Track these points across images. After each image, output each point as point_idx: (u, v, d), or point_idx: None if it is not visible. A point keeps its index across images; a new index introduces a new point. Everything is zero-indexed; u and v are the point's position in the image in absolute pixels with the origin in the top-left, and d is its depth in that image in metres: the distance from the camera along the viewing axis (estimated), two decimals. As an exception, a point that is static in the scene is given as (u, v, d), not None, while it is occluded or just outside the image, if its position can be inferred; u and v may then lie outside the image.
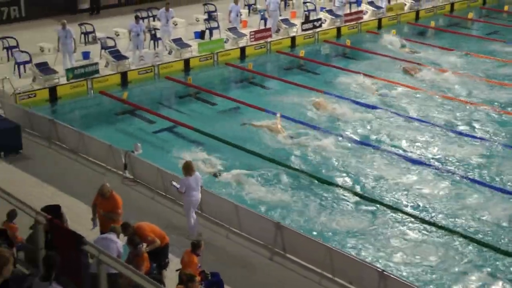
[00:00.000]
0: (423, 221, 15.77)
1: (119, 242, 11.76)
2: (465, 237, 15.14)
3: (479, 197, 16.95)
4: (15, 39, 25.98)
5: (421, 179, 17.86)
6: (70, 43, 23.97)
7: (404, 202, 16.67)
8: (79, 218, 14.21)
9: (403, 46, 29.53)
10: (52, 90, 22.78)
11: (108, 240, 11.62)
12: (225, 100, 23.01)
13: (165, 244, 12.66)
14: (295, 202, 16.47)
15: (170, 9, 27.25)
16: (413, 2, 35.14)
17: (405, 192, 17.16)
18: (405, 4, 35.07)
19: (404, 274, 13.69)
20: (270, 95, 23.93)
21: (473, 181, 17.68)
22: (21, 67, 23.93)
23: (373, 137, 20.43)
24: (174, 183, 14.77)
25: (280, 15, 30.85)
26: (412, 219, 15.85)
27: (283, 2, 33.87)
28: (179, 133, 20.50)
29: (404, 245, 14.86)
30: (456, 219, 15.94)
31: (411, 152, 19.44)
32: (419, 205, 16.55)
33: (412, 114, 22.10)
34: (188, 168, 14.40)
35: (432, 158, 19.08)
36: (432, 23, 33.01)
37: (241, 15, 30.27)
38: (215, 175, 17.46)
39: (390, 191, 17.19)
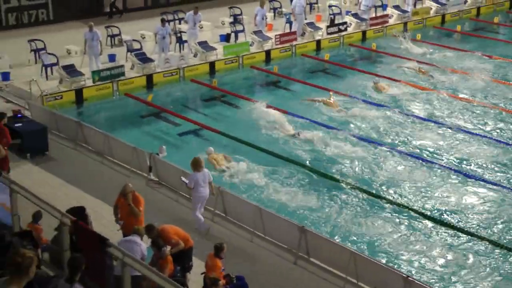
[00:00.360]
0: (449, 226, 15.62)
1: (143, 244, 11.80)
2: (494, 244, 14.97)
3: (506, 202, 16.78)
4: (42, 41, 26.21)
5: (447, 183, 17.70)
6: (97, 45, 24.12)
7: (430, 207, 16.52)
8: (104, 220, 14.31)
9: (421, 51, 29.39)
10: (78, 92, 22.94)
11: (132, 242, 11.65)
12: (249, 102, 22.99)
13: (189, 247, 12.69)
14: (318, 205, 16.40)
15: (199, 13, 27.38)
16: (439, 6, 34.95)
17: (431, 196, 17.02)
18: (431, 8, 34.88)
19: (430, 280, 13.59)
20: (294, 98, 23.87)
21: (500, 186, 17.53)
22: (48, 69, 24.13)
23: (397, 141, 20.29)
24: (183, 178, 15.07)
25: (306, 19, 30.82)
26: (438, 225, 15.70)
27: (308, 6, 33.83)
28: (204, 136, 20.52)
29: (430, 251, 14.73)
30: (484, 225, 15.77)
31: (437, 156, 19.29)
32: (445, 210, 16.38)
33: (436, 118, 21.96)
34: (196, 164, 14.71)
35: (459, 163, 18.92)
36: (458, 27, 32.76)
37: (266, 18, 30.28)
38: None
39: (415, 195, 17.05)
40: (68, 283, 8.78)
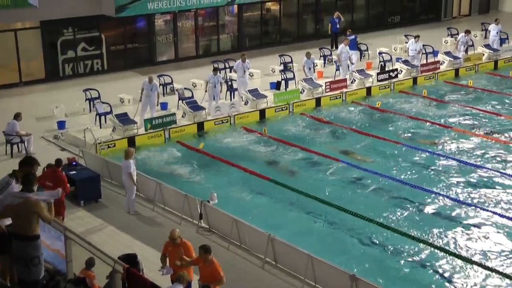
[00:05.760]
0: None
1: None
2: None
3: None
4: (97, 91, 26.83)
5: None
6: (154, 96, 24.55)
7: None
8: (155, 267, 14.33)
9: None
10: (131, 140, 23.29)
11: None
12: (300, 150, 23.01)
13: None
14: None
15: (247, 60, 27.67)
16: (491, 52, 34.69)
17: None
18: (483, 54, 34.63)
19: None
20: (345, 145, 23.79)
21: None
22: (102, 117, 24.62)
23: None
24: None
25: (352, 63, 30.89)
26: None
27: (358, 53, 33.95)
28: (254, 183, 20.53)
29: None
30: None
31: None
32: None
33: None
34: (125, 153, 18.15)
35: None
36: (511, 73, 32.40)
37: (316, 65, 30.42)
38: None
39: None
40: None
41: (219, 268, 12.63)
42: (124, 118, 23.86)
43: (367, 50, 35.12)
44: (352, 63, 30.78)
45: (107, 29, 32.58)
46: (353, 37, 32.90)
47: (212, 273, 12.51)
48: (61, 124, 24.59)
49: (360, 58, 34.31)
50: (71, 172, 18.92)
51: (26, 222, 9.73)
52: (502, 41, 36.74)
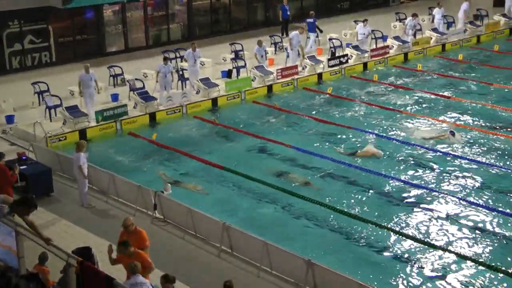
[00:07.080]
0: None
1: (148, 282, 11.72)
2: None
3: None
4: (46, 84, 26.42)
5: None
6: (93, 86, 24.23)
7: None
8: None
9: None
10: (82, 132, 23.02)
11: (139, 285, 11.52)
12: (252, 138, 23.06)
13: None
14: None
15: (197, 49, 27.53)
16: (439, 36, 35.20)
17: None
18: (431, 38, 35.12)
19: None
20: (298, 132, 23.93)
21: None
22: (52, 111, 24.26)
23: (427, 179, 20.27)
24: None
25: (298, 54, 31.02)
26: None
27: (315, 35, 34.12)
28: (208, 172, 20.50)
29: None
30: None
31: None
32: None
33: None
34: (78, 145, 17.92)
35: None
36: (460, 56, 32.96)
37: (267, 53, 30.44)
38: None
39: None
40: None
41: (145, 256, 12.53)
42: (74, 111, 23.57)
43: (317, 36, 35.28)
44: (307, 51, 30.86)
45: (55, 21, 32.05)
46: (312, 20, 33.19)
47: (142, 263, 12.36)
48: (10, 118, 24.16)
49: (317, 39, 34.38)
50: (22, 167, 18.58)
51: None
52: (449, 25, 37.36)
